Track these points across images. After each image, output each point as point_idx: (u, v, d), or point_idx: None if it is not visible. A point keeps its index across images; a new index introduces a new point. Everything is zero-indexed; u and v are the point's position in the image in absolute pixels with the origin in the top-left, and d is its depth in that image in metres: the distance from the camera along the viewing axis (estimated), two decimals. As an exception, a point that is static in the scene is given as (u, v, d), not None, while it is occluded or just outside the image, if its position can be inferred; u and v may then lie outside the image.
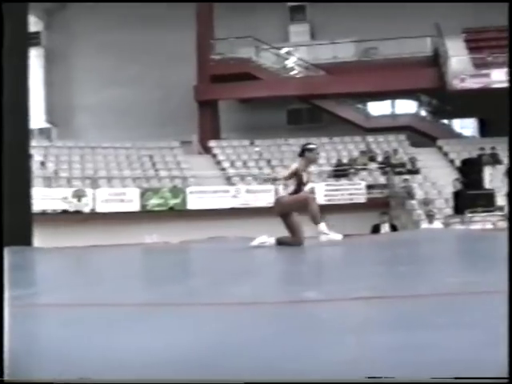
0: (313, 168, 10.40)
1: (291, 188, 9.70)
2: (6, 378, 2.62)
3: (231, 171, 29.29)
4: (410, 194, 25.26)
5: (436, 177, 27.32)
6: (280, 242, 9.54)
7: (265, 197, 26.51)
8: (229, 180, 28.70)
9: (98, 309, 3.67)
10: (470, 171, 19.56)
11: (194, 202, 26.18)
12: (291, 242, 9.45)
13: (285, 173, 10.17)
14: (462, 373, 2.23)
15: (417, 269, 5.41)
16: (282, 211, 9.65)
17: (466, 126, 36.52)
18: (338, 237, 9.36)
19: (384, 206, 24.96)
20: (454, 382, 2.24)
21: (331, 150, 30.73)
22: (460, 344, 2.53)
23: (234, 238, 14.83)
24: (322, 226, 9.36)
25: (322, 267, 6.39)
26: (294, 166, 9.79)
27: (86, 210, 25.15)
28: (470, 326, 2.85)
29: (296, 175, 9.65)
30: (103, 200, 25.49)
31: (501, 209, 18.02)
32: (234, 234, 18.71)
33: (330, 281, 4.80)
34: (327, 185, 27.25)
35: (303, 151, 9.92)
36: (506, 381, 2.33)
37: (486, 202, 18.29)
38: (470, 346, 2.52)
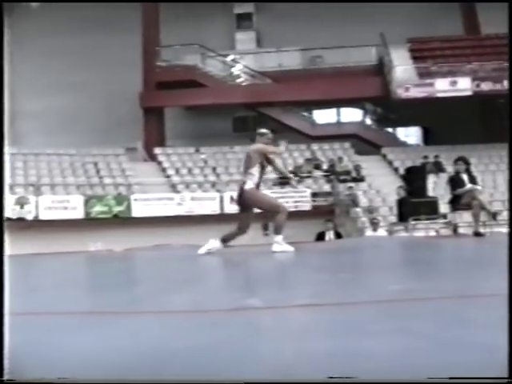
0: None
1: (255, 178, 9.61)
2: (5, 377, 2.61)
3: (176, 179, 29.18)
4: (355, 202, 25.44)
5: (380, 185, 27.54)
6: (225, 240, 9.97)
7: (210, 204, 26.56)
8: (174, 187, 28.58)
9: (39, 317, 3.63)
10: (413, 179, 19.77)
11: (138, 210, 26.01)
12: (235, 234, 9.99)
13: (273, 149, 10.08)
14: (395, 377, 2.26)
15: (359, 276, 5.45)
16: (252, 205, 9.81)
17: (410, 135, 36.95)
18: (291, 249, 9.34)
19: (329, 214, 25.10)
20: (453, 383, 2.26)
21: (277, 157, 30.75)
22: (394, 350, 2.56)
23: (179, 245, 14.79)
24: (279, 238, 9.54)
25: (266, 274, 6.40)
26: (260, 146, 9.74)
27: (29, 217, 24.82)
28: (407, 333, 2.88)
29: (260, 163, 9.58)
30: (46, 207, 25.19)
31: (444, 216, 18.19)
32: (179, 242, 18.69)
33: (273, 288, 4.81)
34: (272, 192, 27.26)
35: (254, 137, 9.93)
36: (505, 381, 2.36)
37: (429, 209, 18.46)
38: (403, 352, 2.55)
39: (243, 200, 9.78)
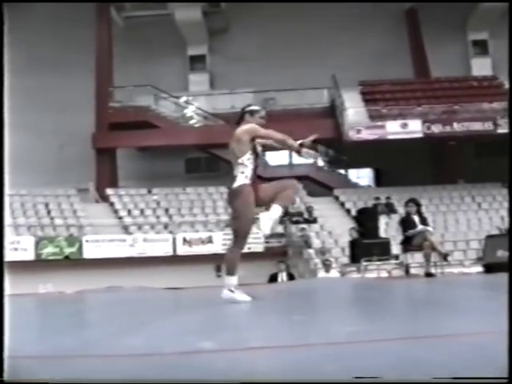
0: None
1: (249, 170, 7.51)
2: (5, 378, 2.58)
3: (128, 220, 29.02)
4: (307, 243, 25.53)
5: (333, 226, 27.68)
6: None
7: (162, 246, 26.44)
8: (126, 229, 28.41)
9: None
10: (365, 220, 19.85)
11: (90, 251, 25.80)
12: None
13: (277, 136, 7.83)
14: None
15: (312, 318, 5.43)
16: (233, 208, 7.47)
17: (362, 176, 37.26)
18: (245, 299, 7.38)
19: (282, 255, 25.17)
20: (454, 382, 2.22)
21: (229, 199, 30.79)
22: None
23: (131, 287, 14.66)
24: (232, 281, 7.49)
25: (220, 316, 6.35)
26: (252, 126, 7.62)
27: (-22, 259, 24.43)
28: (362, 375, 2.86)
29: (253, 149, 7.59)
30: (-4, 248, 24.82)
31: (396, 257, 18.29)
32: (131, 284, 18.55)
33: (226, 330, 4.78)
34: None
35: (242, 115, 7.84)
36: (505, 381, 2.34)
37: (381, 250, 18.51)
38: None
39: (228, 201, 7.77)
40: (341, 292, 8.74)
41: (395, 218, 24.87)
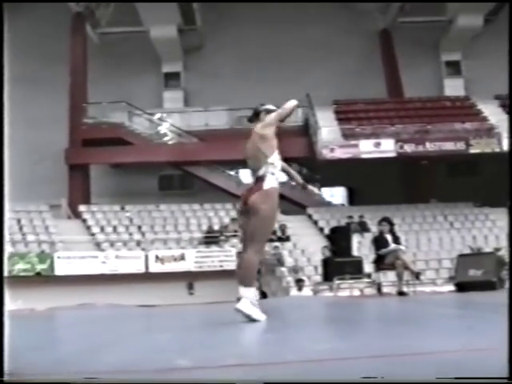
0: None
1: (277, 172, 7.09)
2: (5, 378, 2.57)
3: (101, 236, 28.89)
4: (280, 261, 25.53)
5: (305, 244, 27.73)
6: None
7: (134, 263, 26.34)
8: (98, 245, 28.28)
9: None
10: (338, 239, 19.90)
11: (61, 268, 25.64)
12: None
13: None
14: None
15: (285, 335, 5.43)
16: (254, 212, 6.83)
17: (335, 195, 37.37)
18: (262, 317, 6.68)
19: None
20: (454, 382, 2.21)
21: (202, 216, 30.79)
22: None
23: (103, 304, 14.57)
24: (250, 293, 6.81)
25: (194, 333, 6.35)
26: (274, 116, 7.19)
27: None
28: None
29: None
30: (-33, 264, 24.62)
31: (368, 276, 18.35)
32: (103, 301, 18.45)
33: (201, 347, 4.77)
34: (198, 251, 27.26)
35: (258, 114, 7.48)
36: (505, 381, 2.35)
37: (353, 269, 18.58)
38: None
39: (250, 203, 6.87)
40: (313, 310, 8.77)
41: (368, 236, 24.97)
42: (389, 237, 13.79)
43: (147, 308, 13.31)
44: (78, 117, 32.63)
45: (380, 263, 13.57)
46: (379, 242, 13.51)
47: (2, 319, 2.96)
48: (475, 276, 13.93)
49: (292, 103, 7.42)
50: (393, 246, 13.61)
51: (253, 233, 6.82)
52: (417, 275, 14.06)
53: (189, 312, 9.10)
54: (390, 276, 14.52)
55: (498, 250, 23.11)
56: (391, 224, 14.37)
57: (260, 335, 5.51)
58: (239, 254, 6.97)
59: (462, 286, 13.82)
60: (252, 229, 6.81)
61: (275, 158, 7.14)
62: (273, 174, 7.00)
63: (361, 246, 25.17)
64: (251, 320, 6.48)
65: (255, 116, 7.57)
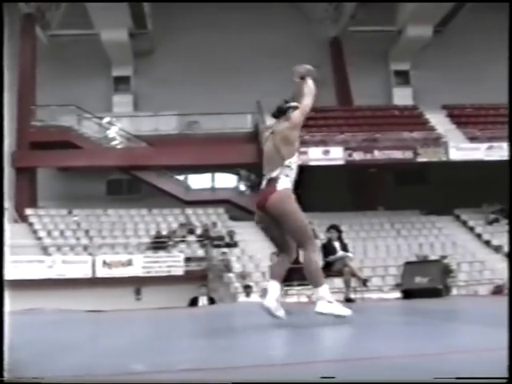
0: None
1: (293, 175, 6.77)
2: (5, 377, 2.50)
3: (48, 241, 28.61)
4: (228, 267, 25.55)
5: (254, 250, 27.74)
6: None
7: (81, 268, 26.16)
8: (45, 250, 27.99)
9: None
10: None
11: (7, 272, 25.28)
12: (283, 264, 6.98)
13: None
14: None
15: (236, 341, 5.49)
16: (277, 217, 6.67)
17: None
18: (347, 312, 6.54)
19: (202, 279, 25.12)
20: (455, 382, 2.31)
21: (151, 221, 30.69)
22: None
23: (51, 309, 14.45)
24: (324, 291, 6.65)
25: (147, 338, 6.37)
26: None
27: None
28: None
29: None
30: None
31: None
32: (50, 306, 18.29)
33: (155, 352, 4.81)
34: (145, 257, 27.17)
35: (285, 110, 7.14)
36: (505, 381, 2.38)
37: (301, 275, 18.59)
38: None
39: (269, 207, 6.62)
40: (262, 316, 8.80)
41: (316, 243, 25.08)
42: (337, 244, 13.91)
43: (96, 313, 13.27)
44: (25, 119, 32.28)
45: (328, 270, 13.67)
46: (327, 249, 13.61)
47: (1, 319, 3.01)
48: (421, 283, 14.13)
49: (311, 89, 7.33)
50: (340, 253, 13.73)
51: (295, 234, 6.64)
52: (364, 282, 14.22)
53: (138, 317, 9.09)
54: (338, 283, 14.63)
55: (443, 257, 23.50)
56: (339, 231, 14.49)
57: (212, 341, 5.56)
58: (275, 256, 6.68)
59: (409, 293, 14.01)
60: (292, 231, 6.63)
61: (293, 161, 6.79)
62: (287, 175, 6.70)
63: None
64: (337, 317, 6.31)
65: (281, 113, 7.19)
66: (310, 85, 7.40)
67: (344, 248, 14.03)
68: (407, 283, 14.64)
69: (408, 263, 17.17)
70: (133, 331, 7.36)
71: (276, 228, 6.73)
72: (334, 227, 14.41)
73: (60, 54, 35.29)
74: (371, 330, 6.16)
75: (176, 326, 7.14)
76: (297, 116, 6.96)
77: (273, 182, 6.65)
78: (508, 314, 2.82)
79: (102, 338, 6.68)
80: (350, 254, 14.06)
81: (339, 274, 13.59)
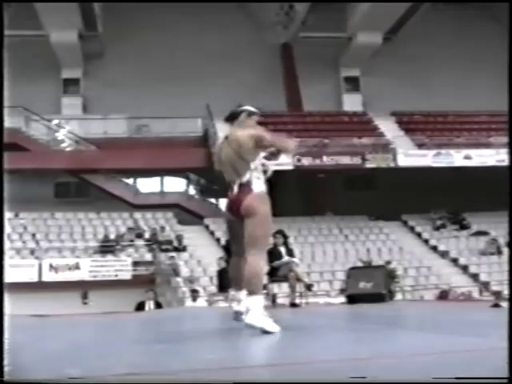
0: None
1: (262, 177, 6.67)
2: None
3: (-7, 244, 28.21)
4: (176, 272, 25.51)
5: (202, 255, 27.77)
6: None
7: (27, 272, 25.92)
8: (-9, 253, 27.61)
9: None
10: (234, 250, 19.94)
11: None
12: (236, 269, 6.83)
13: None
14: None
15: (175, 346, 5.49)
16: (247, 216, 6.41)
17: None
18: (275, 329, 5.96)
19: (150, 283, 25.05)
20: (455, 382, 2.36)
21: (99, 225, 30.50)
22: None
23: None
24: (258, 302, 6.12)
25: (85, 343, 6.34)
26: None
27: None
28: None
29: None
30: None
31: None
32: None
33: (92, 357, 4.80)
34: (93, 260, 27.00)
35: (237, 114, 7.08)
36: (506, 381, 2.39)
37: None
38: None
39: (244, 207, 6.41)
40: (205, 321, 8.84)
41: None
42: (282, 249, 13.99)
43: (39, 318, 13.13)
44: (-28, 120, 31.83)
45: (273, 275, 13.74)
46: (273, 255, 13.65)
47: (2, 320, 2.97)
48: (365, 288, 14.24)
49: (290, 145, 7.18)
50: (286, 258, 13.82)
51: (254, 236, 6.27)
52: (308, 287, 14.27)
53: (81, 322, 9.04)
54: (285, 287, 14.71)
55: (388, 263, 23.75)
56: (285, 237, 14.58)
57: (151, 346, 5.55)
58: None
59: (353, 298, 14.12)
60: (252, 232, 6.27)
61: (258, 163, 6.64)
62: (258, 178, 6.55)
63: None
64: (265, 333, 5.80)
65: (234, 117, 7.13)
66: (285, 142, 7.05)
67: (290, 253, 14.12)
68: (351, 288, 14.75)
69: (352, 268, 17.32)
70: (74, 335, 7.32)
71: (242, 228, 6.40)
72: (280, 232, 14.49)
73: (8, 55, 34.66)
74: (308, 335, 6.18)
75: (118, 331, 7.12)
76: (262, 136, 6.75)
77: (246, 186, 6.49)
78: (508, 313, 2.84)
79: (41, 342, 6.63)
80: (295, 260, 14.16)
81: (285, 279, 13.68)
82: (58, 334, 7.89)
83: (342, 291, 19.19)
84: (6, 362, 3.84)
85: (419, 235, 31.36)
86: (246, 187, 6.47)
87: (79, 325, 8.76)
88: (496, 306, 10.11)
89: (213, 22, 36.22)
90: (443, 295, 23.52)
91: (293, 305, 13.19)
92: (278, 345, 5.45)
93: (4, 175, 3.95)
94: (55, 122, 34.60)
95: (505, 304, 9.71)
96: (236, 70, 35.92)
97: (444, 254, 29.41)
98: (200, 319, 8.80)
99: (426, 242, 30.80)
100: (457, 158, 30.12)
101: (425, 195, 31.41)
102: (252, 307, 5.97)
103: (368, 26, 34.52)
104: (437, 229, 31.38)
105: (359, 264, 24.01)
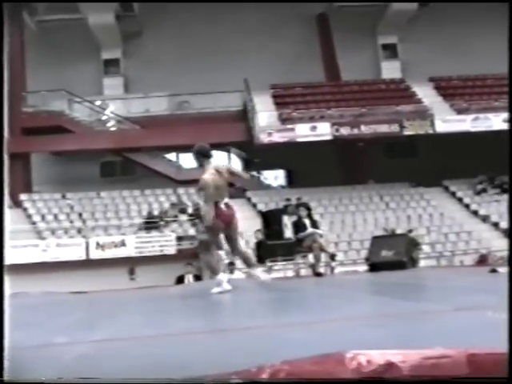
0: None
1: None
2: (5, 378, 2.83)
3: (42, 225, 29.03)
4: (218, 245, 25.88)
5: (244, 227, 27.95)
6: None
7: (75, 250, 26.59)
8: (39, 234, 28.43)
9: None
10: (270, 222, 20.40)
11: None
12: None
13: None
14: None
15: (156, 319, 5.92)
16: (233, 225, 9.44)
17: (279, 176, 37.97)
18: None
19: (193, 257, 25.57)
20: (455, 382, 2.48)
21: (143, 202, 31.07)
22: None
23: (37, 292, 14.87)
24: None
25: (95, 316, 6.81)
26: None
27: None
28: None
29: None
30: None
31: (303, 257, 18.90)
32: (45, 289, 18.69)
33: (88, 328, 5.25)
34: (138, 237, 27.60)
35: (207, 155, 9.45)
36: (506, 381, 2.56)
37: (285, 251, 19.09)
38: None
39: (233, 223, 9.38)
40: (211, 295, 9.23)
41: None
42: (307, 221, 14.35)
43: (78, 295, 13.69)
44: (17, 106, 32.56)
45: (298, 246, 14.13)
46: (297, 227, 14.04)
47: (2, 317, 3.28)
48: (387, 256, 14.55)
49: (243, 175, 11.32)
50: (310, 230, 14.18)
51: (235, 238, 9.54)
52: (332, 256, 14.66)
53: (112, 297, 9.54)
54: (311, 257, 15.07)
55: (410, 231, 23.85)
56: (309, 209, 14.96)
57: (149, 316, 5.98)
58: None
59: (375, 266, 14.43)
60: (234, 236, 9.48)
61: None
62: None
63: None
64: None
65: (206, 157, 9.54)
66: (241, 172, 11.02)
67: (314, 225, 14.47)
68: (374, 257, 15.06)
69: (375, 237, 17.62)
70: (91, 309, 7.79)
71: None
72: (304, 205, 14.90)
73: (48, 40, 35.55)
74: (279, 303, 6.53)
75: (134, 305, 7.59)
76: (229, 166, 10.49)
77: (230, 206, 9.33)
78: (508, 312, 3.06)
79: (57, 318, 7.11)
80: (319, 231, 14.51)
81: (309, 249, 14.05)
82: (77, 309, 8.37)
83: (366, 260, 19.52)
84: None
85: (460, 200, 31.30)
86: (230, 207, 9.35)
87: (105, 300, 9.26)
88: (493, 271, 10.32)
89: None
90: (482, 259, 23.59)
91: (317, 274, 13.57)
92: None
93: (4, 175, 4.30)
94: (97, 103, 35.19)
95: (502, 269, 9.90)
96: (273, 43, 36.12)
97: (485, 219, 29.37)
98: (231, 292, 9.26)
99: (467, 206, 30.75)
100: (495, 121, 29.93)
101: (465, 160, 31.36)
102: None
103: (402, -7, 34.49)
104: (478, 193, 31.32)
105: (400, 231, 24.24)
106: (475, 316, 3.71)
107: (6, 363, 3.09)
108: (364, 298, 7.11)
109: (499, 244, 26.57)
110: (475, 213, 30.09)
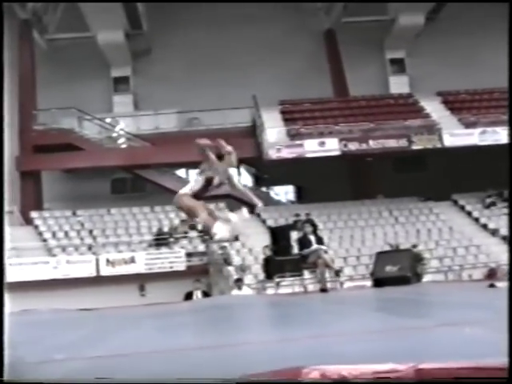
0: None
1: None
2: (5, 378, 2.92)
3: (52, 242, 29.17)
4: (227, 261, 26.03)
5: (253, 243, 28.17)
6: None
7: (85, 267, 26.70)
8: (50, 251, 28.57)
9: None
10: (278, 238, 20.46)
11: (13, 274, 25.84)
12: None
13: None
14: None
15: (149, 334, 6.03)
16: None
17: (289, 192, 38.06)
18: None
19: (203, 273, 25.74)
20: (455, 382, 2.56)
21: (153, 219, 31.19)
22: None
23: (46, 309, 15.01)
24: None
25: (97, 332, 6.93)
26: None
27: None
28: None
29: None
30: None
31: (313, 272, 18.98)
32: (55, 306, 18.82)
33: (86, 344, 5.37)
34: (148, 254, 27.71)
35: None
36: (506, 381, 2.65)
37: (293, 267, 19.14)
38: None
39: None
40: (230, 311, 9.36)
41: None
42: (312, 237, 14.45)
43: (85, 312, 13.81)
44: (27, 123, 32.83)
45: (303, 262, 14.22)
46: (302, 243, 14.14)
47: (2, 320, 3.34)
48: (391, 272, 14.60)
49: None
50: (315, 246, 14.28)
51: None
52: (337, 272, 14.73)
53: (116, 314, 9.64)
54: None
55: (414, 246, 23.84)
56: (314, 226, 15.06)
57: (139, 332, 6.09)
58: None
59: (379, 282, 14.47)
60: None
61: None
62: None
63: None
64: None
65: None
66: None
67: (319, 241, 14.56)
68: (378, 272, 15.11)
69: (380, 253, 17.65)
70: (96, 326, 7.90)
71: None
72: (309, 221, 15.00)
73: (59, 58, 35.79)
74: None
75: (133, 321, 7.69)
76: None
77: None
78: (508, 312, 3.07)
79: (61, 334, 7.25)
80: (323, 247, 14.60)
81: (314, 265, 14.14)
82: (80, 326, 8.50)
83: (371, 275, 19.58)
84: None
85: (469, 214, 31.29)
86: None
87: (109, 317, 9.37)
88: (492, 286, 10.39)
89: (256, 12, 36.47)
90: (491, 273, 23.57)
91: (322, 290, 13.65)
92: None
93: (4, 177, 4.39)
94: (108, 120, 35.37)
95: (501, 284, 9.97)
96: (281, 59, 36.29)
97: (494, 232, 29.34)
98: (218, 308, 9.35)
99: (477, 220, 30.73)
100: (503, 135, 29.93)
101: (474, 174, 31.40)
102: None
103: (409, 8, 34.58)
104: (487, 207, 31.30)
105: (408, 245, 24.24)
106: (454, 332, 3.83)
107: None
108: (360, 313, 7.22)
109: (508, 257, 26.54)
110: (484, 226, 30.07)
